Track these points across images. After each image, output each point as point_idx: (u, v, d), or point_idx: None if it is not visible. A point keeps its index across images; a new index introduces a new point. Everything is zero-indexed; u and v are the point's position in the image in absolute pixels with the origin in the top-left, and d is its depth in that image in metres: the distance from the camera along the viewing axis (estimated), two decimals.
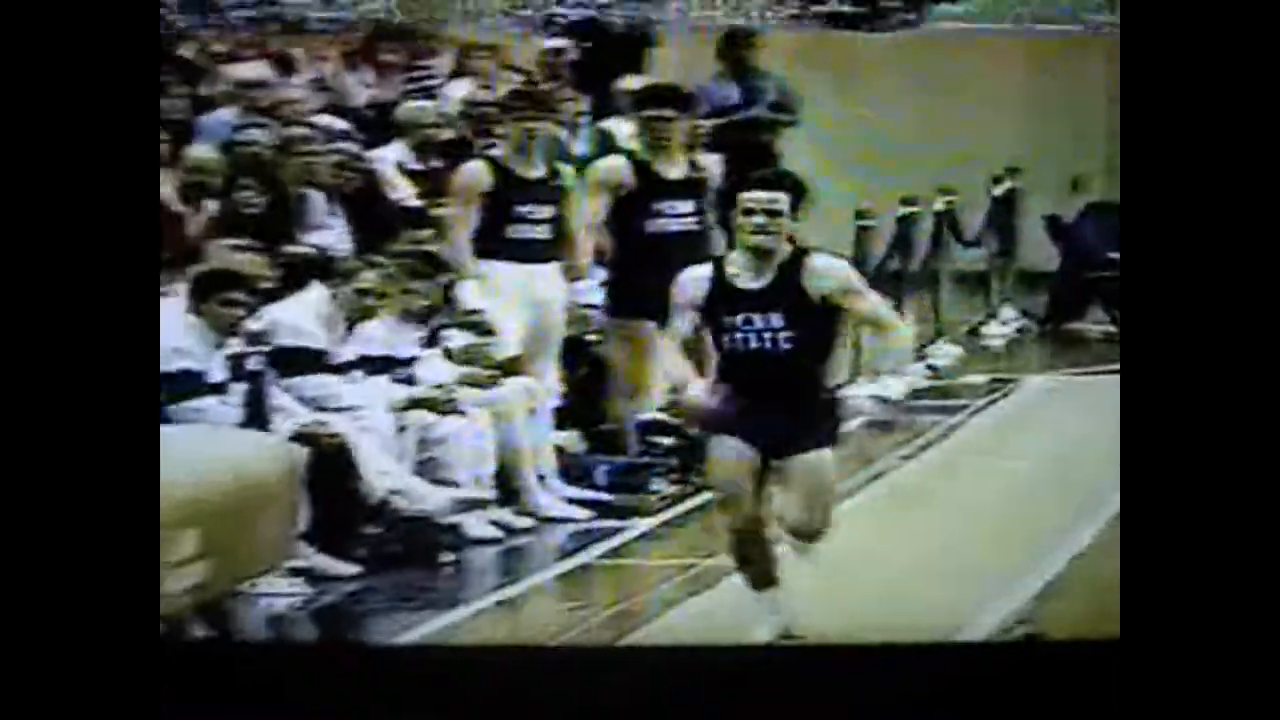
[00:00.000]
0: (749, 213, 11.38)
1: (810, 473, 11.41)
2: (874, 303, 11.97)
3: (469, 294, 16.45)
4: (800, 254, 11.51)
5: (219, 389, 14.07)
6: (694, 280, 11.58)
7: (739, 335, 11.38)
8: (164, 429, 12.19)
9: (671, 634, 12.67)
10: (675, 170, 16.67)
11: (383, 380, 15.43)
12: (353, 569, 14.03)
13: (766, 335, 11.27)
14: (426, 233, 17.05)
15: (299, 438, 13.38)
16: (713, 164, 16.99)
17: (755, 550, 11.65)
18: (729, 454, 11.67)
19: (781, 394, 11.39)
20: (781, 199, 11.46)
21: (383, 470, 14.55)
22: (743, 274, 11.36)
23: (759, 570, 11.56)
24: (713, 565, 13.58)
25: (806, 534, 11.54)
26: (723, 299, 11.38)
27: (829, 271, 11.55)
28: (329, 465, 13.47)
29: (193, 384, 13.91)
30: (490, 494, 15.50)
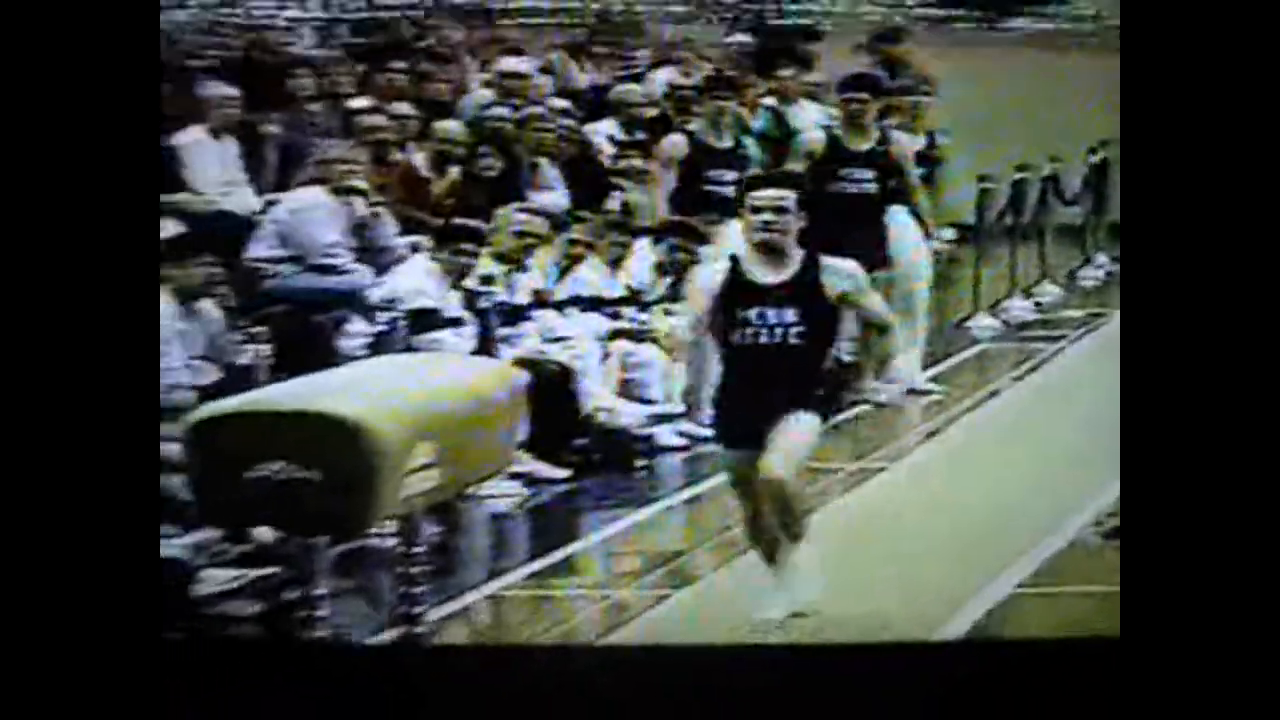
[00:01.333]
0: (757, 210, 10.24)
1: (793, 429, 10.21)
2: (880, 303, 10.99)
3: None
4: (816, 253, 10.40)
5: (455, 323, 13.60)
6: (712, 273, 10.45)
7: (750, 330, 10.19)
8: (409, 356, 11.84)
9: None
10: (864, 144, 15.96)
11: (593, 316, 14.96)
12: (563, 473, 13.55)
13: (778, 330, 10.17)
14: (632, 193, 16.81)
15: (522, 363, 12.86)
16: (904, 140, 16.28)
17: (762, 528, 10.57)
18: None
19: (785, 386, 10.28)
20: (789, 197, 10.31)
21: (590, 391, 14.08)
22: (756, 270, 10.25)
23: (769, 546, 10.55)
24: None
25: (777, 489, 10.13)
26: (738, 292, 10.22)
27: (848, 272, 10.45)
28: (547, 387, 12.73)
29: (432, 319, 13.48)
30: (679, 409, 14.71)
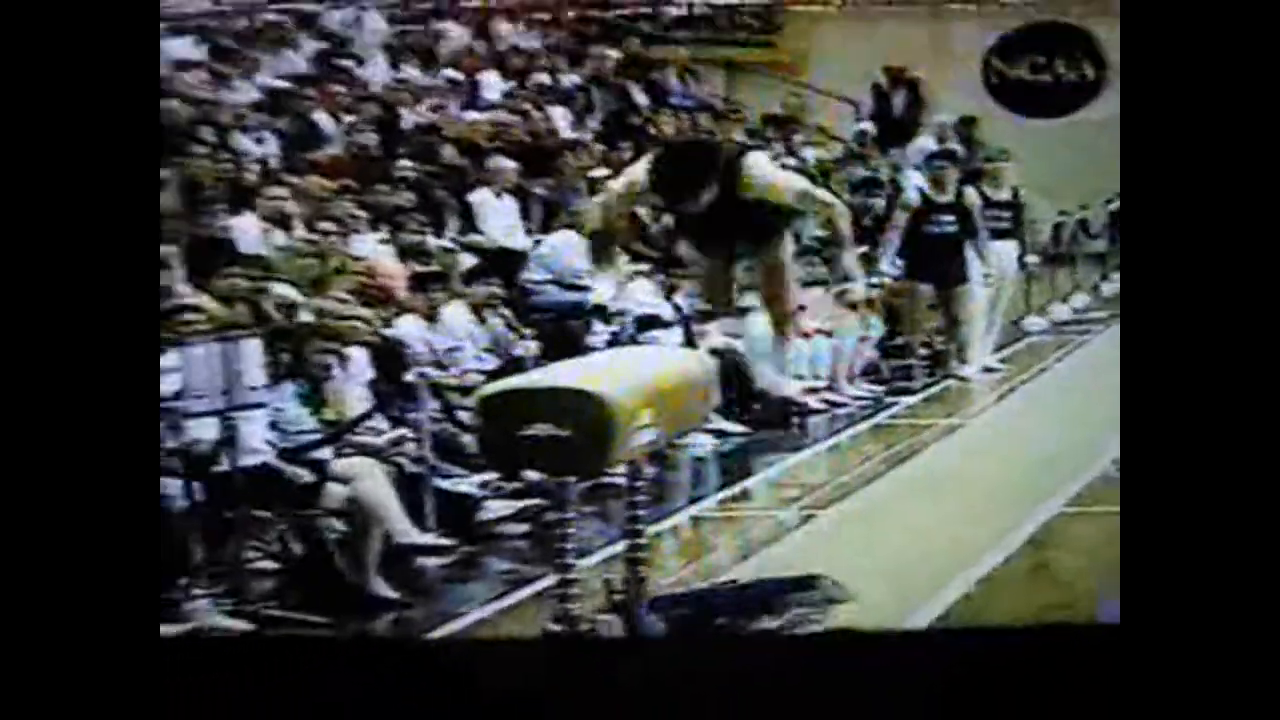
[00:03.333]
0: None
1: None
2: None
3: None
4: None
5: (667, 325, 13.32)
6: None
7: None
8: (637, 348, 11.67)
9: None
10: (945, 199, 15.65)
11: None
12: (741, 429, 13.21)
13: None
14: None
15: (714, 352, 12.53)
16: (973, 195, 15.82)
17: None
18: None
19: None
20: None
21: (760, 372, 13.48)
22: None
23: None
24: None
25: None
26: None
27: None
28: (731, 368, 12.37)
29: (651, 322, 13.20)
30: (822, 383, 14.47)
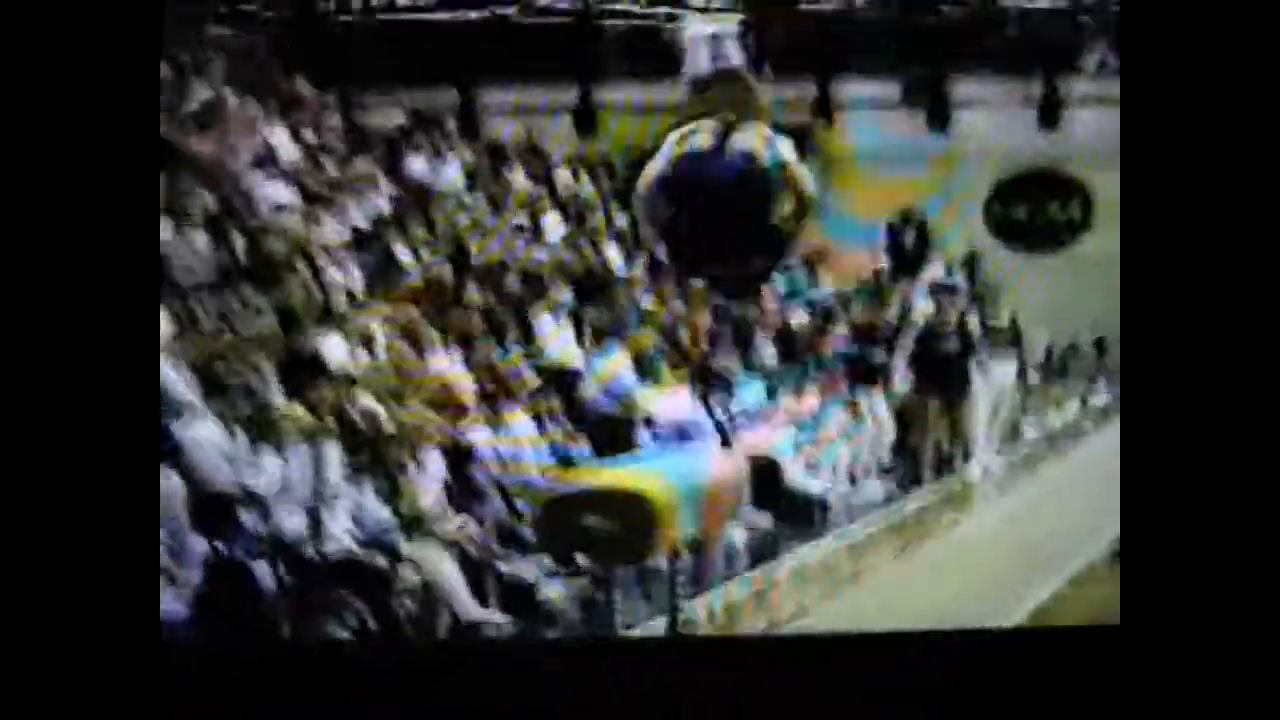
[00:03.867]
0: None
1: None
2: None
3: None
4: None
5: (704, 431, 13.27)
6: None
7: None
8: (679, 452, 11.81)
9: None
10: (948, 323, 16.04)
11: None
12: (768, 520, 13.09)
13: None
14: None
15: (748, 456, 12.61)
16: (974, 322, 16.43)
17: None
18: None
19: None
20: None
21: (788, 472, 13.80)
22: None
23: None
24: None
25: None
26: None
27: None
28: (762, 469, 12.49)
29: (689, 430, 13.22)
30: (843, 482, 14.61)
